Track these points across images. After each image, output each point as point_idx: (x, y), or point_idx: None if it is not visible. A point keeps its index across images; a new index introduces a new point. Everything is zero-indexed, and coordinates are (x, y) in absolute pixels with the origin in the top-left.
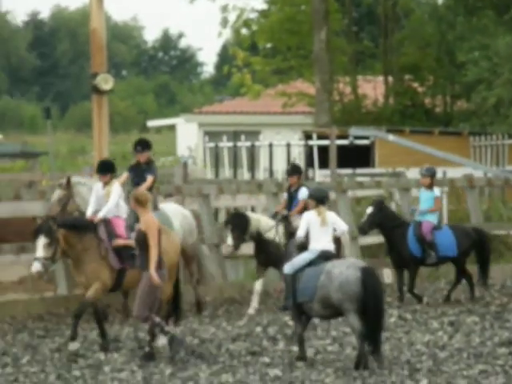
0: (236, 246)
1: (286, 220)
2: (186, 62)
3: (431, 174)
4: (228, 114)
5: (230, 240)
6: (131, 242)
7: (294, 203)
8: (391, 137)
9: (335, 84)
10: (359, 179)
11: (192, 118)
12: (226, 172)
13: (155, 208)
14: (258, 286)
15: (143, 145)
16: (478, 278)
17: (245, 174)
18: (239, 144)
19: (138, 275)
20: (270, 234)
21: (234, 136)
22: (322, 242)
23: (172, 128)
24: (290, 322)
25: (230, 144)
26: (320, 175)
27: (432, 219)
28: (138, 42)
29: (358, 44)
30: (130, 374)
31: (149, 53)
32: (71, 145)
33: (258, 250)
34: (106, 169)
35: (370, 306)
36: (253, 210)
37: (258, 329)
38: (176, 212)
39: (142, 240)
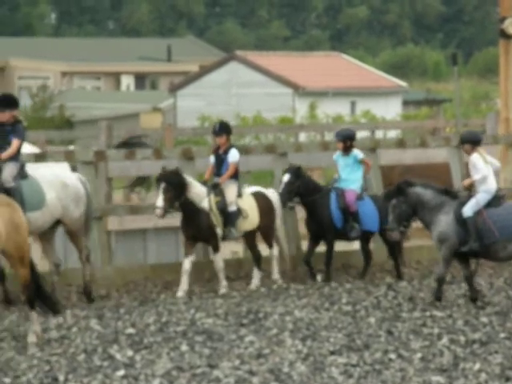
0: (165, 210)
1: (216, 187)
2: None
3: (343, 139)
4: None
5: (159, 201)
6: None
7: (223, 167)
8: None
9: None
10: None
11: None
12: None
13: (23, 175)
14: (187, 264)
15: (7, 102)
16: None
17: None
18: None
19: None
20: (203, 203)
21: None
22: (492, 181)
23: None
24: None
25: None
26: None
27: (356, 187)
28: None
29: None
30: None
31: None
32: (474, 91)
33: (186, 221)
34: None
35: None
36: None
37: None
38: (52, 181)
39: None
